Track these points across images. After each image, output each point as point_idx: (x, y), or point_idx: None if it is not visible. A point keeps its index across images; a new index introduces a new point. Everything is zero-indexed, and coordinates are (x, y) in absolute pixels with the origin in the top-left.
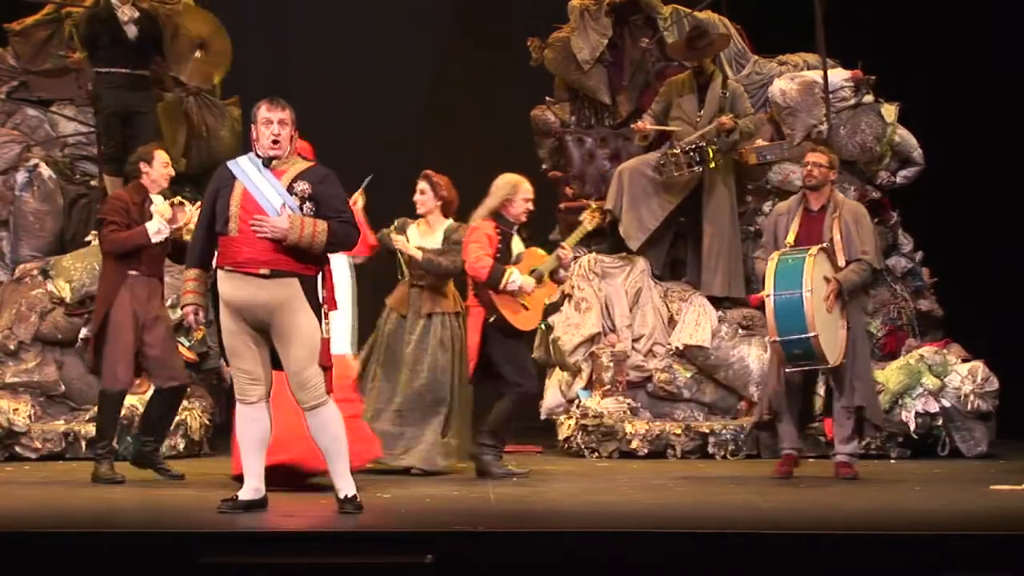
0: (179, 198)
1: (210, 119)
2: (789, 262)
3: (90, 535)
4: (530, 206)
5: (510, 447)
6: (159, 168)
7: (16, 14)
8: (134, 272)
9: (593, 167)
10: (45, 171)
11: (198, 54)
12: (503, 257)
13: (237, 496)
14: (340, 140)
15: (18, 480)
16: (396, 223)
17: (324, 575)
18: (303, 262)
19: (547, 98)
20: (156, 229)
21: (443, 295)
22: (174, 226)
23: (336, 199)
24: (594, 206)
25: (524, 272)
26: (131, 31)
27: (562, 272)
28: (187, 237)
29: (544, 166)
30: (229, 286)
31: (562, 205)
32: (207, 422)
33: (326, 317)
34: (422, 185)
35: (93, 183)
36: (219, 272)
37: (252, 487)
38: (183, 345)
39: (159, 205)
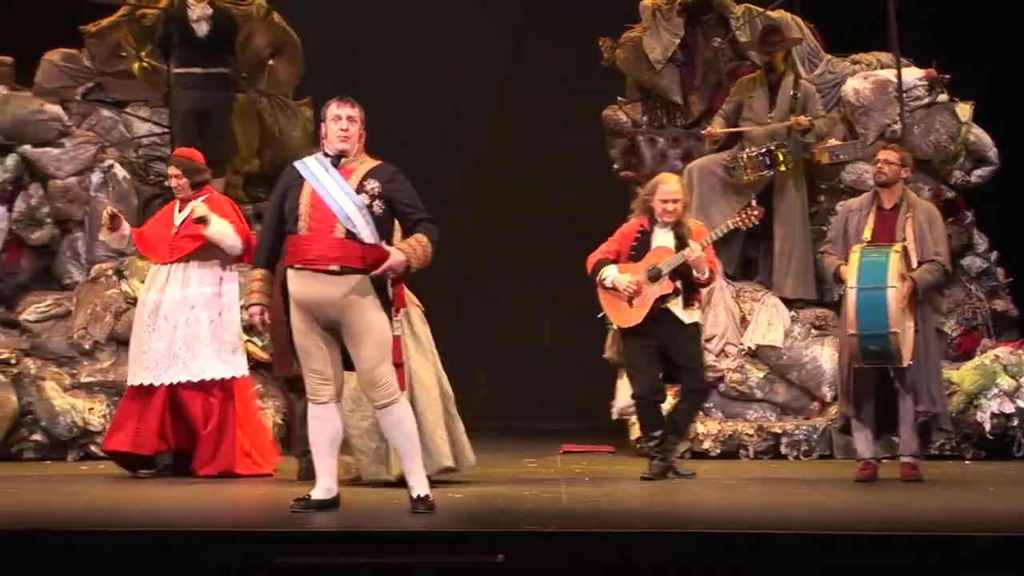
0: None
1: (282, 119)
2: (873, 256)
3: (162, 534)
4: (668, 207)
5: (580, 447)
6: None
7: (91, 15)
8: None
9: (665, 167)
10: (119, 172)
11: (271, 62)
12: (638, 254)
13: (310, 496)
14: (410, 140)
15: (92, 479)
16: None
17: (395, 575)
18: (372, 259)
19: (619, 98)
20: None
21: None
22: None
23: (408, 196)
24: (754, 203)
25: (642, 270)
26: (201, 29)
27: (695, 272)
28: None
29: (616, 166)
30: (299, 284)
31: (633, 205)
32: (280, 422)
33: (396, 314)
34: None
35: (167, 184)
36: (289, 271)
37: (324, 487)
38: (255, 344)
39: None
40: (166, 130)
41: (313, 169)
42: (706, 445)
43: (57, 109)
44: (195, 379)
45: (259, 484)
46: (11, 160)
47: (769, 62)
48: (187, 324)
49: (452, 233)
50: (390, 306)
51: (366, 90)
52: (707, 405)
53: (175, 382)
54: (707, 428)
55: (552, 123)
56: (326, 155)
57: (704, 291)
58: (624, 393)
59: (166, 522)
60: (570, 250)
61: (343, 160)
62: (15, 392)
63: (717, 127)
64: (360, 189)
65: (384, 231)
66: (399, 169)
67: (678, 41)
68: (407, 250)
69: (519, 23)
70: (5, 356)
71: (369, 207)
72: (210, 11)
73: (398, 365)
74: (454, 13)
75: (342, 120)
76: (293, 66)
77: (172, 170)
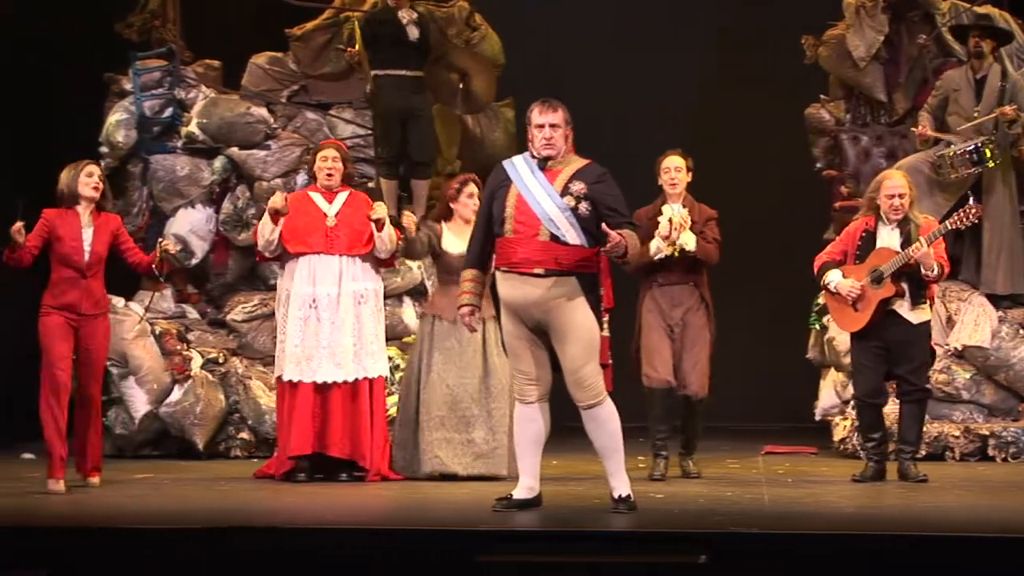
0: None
1: (483, 121)
2: None
3: (365, 532)
4: (895, 202)
5: (783, 448)
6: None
7: (296, 19)
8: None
9: (868, 165)
10: None
11: (461, 86)
12: (862, 254)
13: (512, 495)
14: (612, 138)
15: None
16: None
17: (597, 574)
18: (577, 260)
19: (821, 96)
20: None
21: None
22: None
23: (612, 198)
24: (971, 201)
25: (864, 273)
26: (412, 33)
27: (923, 269)
28: None
29: (819, 165)
30: (507, 286)
31: (837, 204)
32: None
33: (605, 314)
34: (476, 190)
35: (370, 185)
36: (497, 273)
37: (527, 485)
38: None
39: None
40: (369, 132)
41: (520, 170)
42: None
43: (263, 111)
44: (373, 375)
45: (458, 483)
46: (218, 162)
47: (977, 44)
48: (360, 319)
49: None
50: (599, 306)
51: (570, 89)
52: None
53: (353, 379)
54: None
55: (754, 122)
56: (533, 157)
57: (935, 287)
58: (828, 394)
59: (370, 520)
60: (772, 249)
61: (550, 162)
62: (223, 391)
63: (927, 125)
64: (565, 191)
65: (592, 232)
66: (606, 170)
67: (882, 38)
68: (628, 237)
69: (722, 22)
70: (213, 355)
71: (574, 209)
72: (416, 15)
73: (605, 366)
74: (659, 12)
75: (545, 128)
76: (484, 85)
77: (333, 154)
